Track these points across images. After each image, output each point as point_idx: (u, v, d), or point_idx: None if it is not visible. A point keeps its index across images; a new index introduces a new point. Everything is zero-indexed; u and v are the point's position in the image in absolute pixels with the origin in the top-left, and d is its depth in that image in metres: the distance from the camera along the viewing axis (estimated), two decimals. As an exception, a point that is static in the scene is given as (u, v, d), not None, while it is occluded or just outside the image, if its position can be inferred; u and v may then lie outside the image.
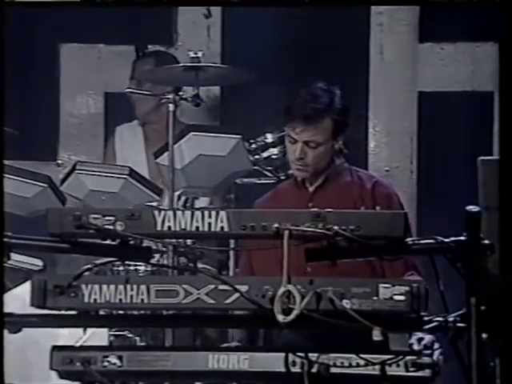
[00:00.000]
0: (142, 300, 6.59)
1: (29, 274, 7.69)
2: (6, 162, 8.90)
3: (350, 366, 6.39)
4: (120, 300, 6.56)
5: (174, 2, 10.38)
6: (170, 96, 9.09)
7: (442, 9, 10.08)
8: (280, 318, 6.10)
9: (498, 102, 9.84)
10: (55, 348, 6.49)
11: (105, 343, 7.20)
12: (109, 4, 9.64)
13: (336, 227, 6.35)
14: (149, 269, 6.98)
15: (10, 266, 7.35)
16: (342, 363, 6.37)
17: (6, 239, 6.72)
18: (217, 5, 10.87)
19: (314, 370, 6.34)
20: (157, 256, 7.34)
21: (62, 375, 6.57)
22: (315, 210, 6.51)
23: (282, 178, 8.36)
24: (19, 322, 6.62)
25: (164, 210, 7.56)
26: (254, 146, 8.79)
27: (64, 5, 9.70)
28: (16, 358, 7.28)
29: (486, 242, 6.30)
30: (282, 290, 6.17)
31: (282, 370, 6.41)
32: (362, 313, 6.22)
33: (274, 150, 8.24)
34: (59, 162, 9.58)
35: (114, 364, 6.67)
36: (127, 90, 9.67)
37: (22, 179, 9.01)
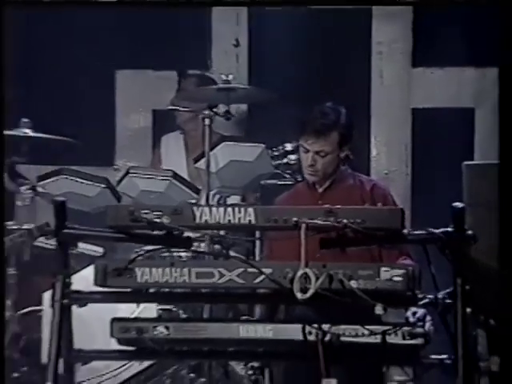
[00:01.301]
0: (184, 280, 6.72)
1: (92, 259, 7.76)
2: (73, 167, 9.03)
3: (357, 335, 6.48)
4: (166, 280, 6.69)
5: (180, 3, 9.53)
6: (207, 112, 9.15)
7: (433, 37, 10.18)
8: (298, 295, 6.18)
9: (478, 117, 9.97)
10: (114, 320, 6.59)
11: (154, 316, 7.36)
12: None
13: (345, 221, 6.44)
14: (189, 255, 7.01)
15: (77, 253, 7.37)
16: (350, 333, 6.47)
17: (73, 231, 6.81)
18: (216, 5, 10.53)
19: (327, 338, 6.42)
20: (196, 244, 7.35)
21: (121, 342, 6.65)
22: (328, 206, 6.58)
23: (299, 180, 8.37)
24: (85, 299, 6.71)
25: (201, 206, 7.73)
26: (275, 153, 8.87)
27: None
28: (83, 327, 7.30)
29: (470, 232, 6.34)
30: (300, 272, 6.28)
31: (300, 338, 6.47)
32: (367, 291, 6.31)
33: (292, 157, 8.35)
34: (115, 167, 9.64)
35: (162, 333, 6.78)
36: (171, 108, 9.70)
37: (86, 181, 9.08)
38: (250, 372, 8.30)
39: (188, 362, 8.26)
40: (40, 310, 8.57)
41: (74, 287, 6.86)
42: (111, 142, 10.38)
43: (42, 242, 8.54)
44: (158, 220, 6.86)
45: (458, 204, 6.49)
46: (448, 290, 6.39)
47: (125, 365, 7.99)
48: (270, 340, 6.69)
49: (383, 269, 6.46)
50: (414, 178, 10.00)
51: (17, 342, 9.02)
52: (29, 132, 9.19)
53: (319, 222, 6.48)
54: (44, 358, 8.05)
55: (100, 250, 7.86)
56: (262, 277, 6.47)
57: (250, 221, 6.84)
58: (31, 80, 10.62)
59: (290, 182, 8.70)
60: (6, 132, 8.55)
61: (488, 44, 9.79)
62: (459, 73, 10.29)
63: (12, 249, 8.83)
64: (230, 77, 9.54)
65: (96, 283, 6.79)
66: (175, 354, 7.36)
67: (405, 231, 6.51)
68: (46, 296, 8.02)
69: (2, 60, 6.40)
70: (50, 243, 7.87)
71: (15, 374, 8.79)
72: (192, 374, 8.54)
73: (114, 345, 6.80)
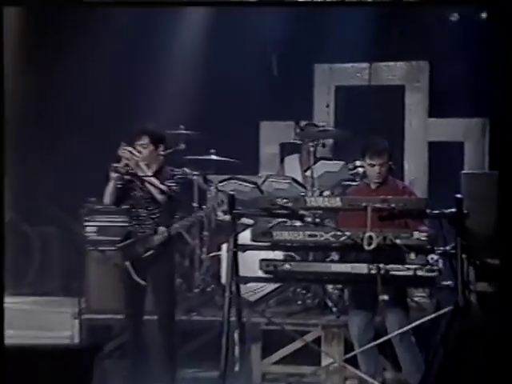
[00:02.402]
0: (300, 239, 6.69)
1: (247, 226, 7.68)
2: (238, 176, 9.07)
3: (398, 270, 6.46)
4: (290, 239, 6.71)
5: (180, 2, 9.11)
6: (311, 143, 9.11)
7: (439, 102, 10.15)
8: (366, 247, 6.18)
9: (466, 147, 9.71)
10: (262, 259, 6.56)
11: (282, 258, 7.26)
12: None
13: (393, 205, 6.40)
14: (302, 224, 6.94)
15: (240, 223, 7.35)
16: (395, 269, 6.41)
17: (238, 211, 6.87)
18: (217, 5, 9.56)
19: (381, 272, 6.37)
20: (306, 218, 7.27)
21: (265, 272, 6.62)
22: (383, 196, 6.68)
23: (362, 182, 8.24)
24: (245, 248, 6.69)
25: (309, 196, 7.67)
26: (350, 166, 8.87)
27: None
28: (244, 263, 7.22)
29: (465, 211, 6.26)
30: (367, 234, 6.30)
31: (366, 272, 6.45)
32: (405, 245, 6.28)
33: (360, 169, 8.33)
34: (260, 175, 9.58)
35: (287, 268, 6.75)
36: (293, 141, 9.63)
37: (244, 183, 9.06)
38: (336, 291, 8.28)
39: (301, 284, 8.22)
40: (220, 254, 8.56)
41: (239, 242, 6.86)
42: (257, 161, 10.27)
43: (221, 216, 8.57)
44: (285, 204, 6.90)
45: (459, 195, 6.44)
46: (452, 245, 6.33)
47: (264, 286, 8.03)
48: (349, 273, 6.74)
49: (415, 232, 6.47)
50: (430, 183, 9.80)
51: (208, 272, 8.90)
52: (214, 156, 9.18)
53: (378, 205, 6.50)
54: (223, 280, 8.05)
55: (251, 221, 7.83)
56: (345, 237, 6.50)
57: (337, 205, 6.90)
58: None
59: (355, 183, 8.58)
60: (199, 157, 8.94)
61: (475, 100, 9.64)
62: (453, 121, 10.08)
63: (205, 218, 8.83)
64: (324, 124, 9.52)
65: (251, 239, 6.82)
66: (294, 280, 7.41)
67: (427, 211, 6.48)
68: (224, 247, 8.04)
69: (2, 60, 5.18)
70: (225, 218, 7.96)
71: (207, 289, 8.82)
72: (303, 291, 8.51)
73: (260, 273, 6.82)
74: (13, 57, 10.54)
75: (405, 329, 7.13)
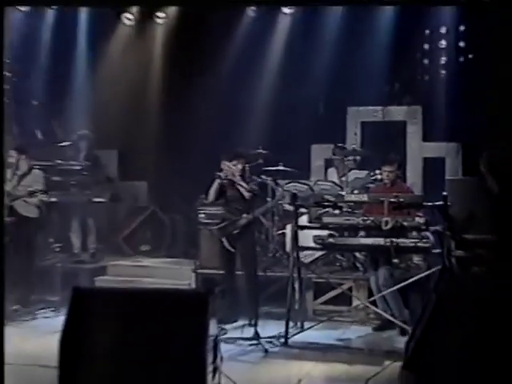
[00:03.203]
0: (339, 221, 6.66)
1: (303, 213, 7.54)
2: (299, 180, 9.03)
3: (404, 242, 6.38)
4: (332, 221, 6.63)
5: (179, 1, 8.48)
6: (345, 159, 9.03)
7: (431, 131, 9.93)
8: (383, 227, 6.11)
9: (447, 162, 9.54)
10: (315, 235, 6.56)
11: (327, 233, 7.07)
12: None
13: (401, 199, 6.38)
14: (340, 212, 6.92)
15: (300, 211, 7.35)
16: (402, 241, 6.35)
17: (297, 203, 6.84)
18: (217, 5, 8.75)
19: (393, 244, 6.33)
20: (343, 208, 7.22)
21: (316, 243, 6.59)
22: (395, 193, 6.54)
23: (379, 184, 8.11)
24: (303, 227, 6.76)
25: (344, 194, 7.62)
26: (371, 173, 8.75)
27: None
28: (302, 237, 7.19)
29: (449, 203, 6.21)
30: (384, 218, 6.20)
31: (383, 243, 6.38)
32: (410, 226, 6.23)
33: (378, 176, 8.14)
34: (312, 180, 9.50)
35: (330, 240, 6.71)
36: (333, 157, 9.53)
37: (302, 185, 9.01)
38: (362, 257, 8.21)
39: (339, 252, 8.16)
40: (285, 232, 8.48)
41: (299, 223, 6.89)
42: (309, 171, 10.16)
43: (286, 206, 8.51)
44: (329, 198, 6.91)
45: (444, 193, 6.42)
46: (440, 226, 6.32)
47: (315, 252, 8.00)
48: (371, 244, 6.70)
49: (416, 218, 6.46)
50: (425, 186, 9.63)
51: (277, 243, 8.71)
52: (281, 167, 9.00)
53: (391, 199, 6.48)
54: (287, 249, 8.05)
55: (306, 210, 7.56)
56: (369, 220, 6.49)
57: (364, 199, 6.90)
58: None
59: (374, 185, 8.37)
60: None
61: (452, 131, 9.54)
62: (438, 144, 9.92)
63: (275, 208, 8.65)
64: (354, 146, 9.45)
65: (308, 222, 6.83)
66: (335, 249, 7.38)
67: (424, 203, 6.48)
68: (288, 226, 8.04)
69: (2, 61, 4.13)
70: (289, 208, 7.90)
71: (277, 255, 8.67)
72: (341, 256, 8.46)
73: (312, 244, 6.81)
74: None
75: (408, 282, 7.02)
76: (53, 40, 10.41)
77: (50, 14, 10.35)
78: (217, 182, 7.65)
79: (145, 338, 4.25)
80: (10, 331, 6.84)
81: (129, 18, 10.60)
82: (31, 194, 7.63)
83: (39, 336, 7.13)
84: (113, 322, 4.35)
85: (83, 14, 10.40)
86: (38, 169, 8.51)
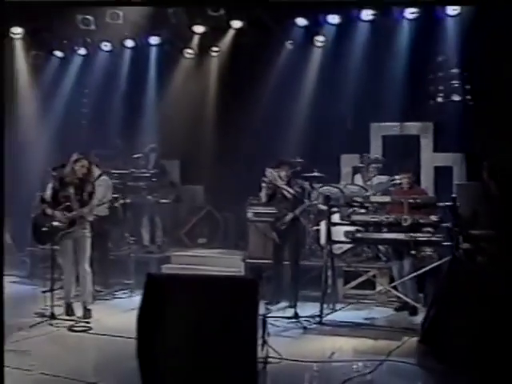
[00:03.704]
0: (365, 219, 6.61)
1: (335, 212, 7.54)
2: (332, 184, 8.88)
3: (419, 236, 6.29)
4: (359, 219, 6.57)
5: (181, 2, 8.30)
6: (370, 166, 8.96)
7: (440, 141, 9.71)
8: (403, 224, 6.06)
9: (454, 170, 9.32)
10: (345, 231, 6.52)
11: (354, 229, 7.04)
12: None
13: (418, 200, 6.30)
14: (367, 211, 6.89)
15: (332, 210, 7.27)
16: (418, 235, 6.28)
17: (331, 203, 6.78)
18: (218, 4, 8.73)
19: (411, 239, 6.27)
20: (369, 208, 7.15)
21: (347, 237, 6.57)
22: (413, 195, 6.48)
23: (398, 187, 7.98)
24: (336, 224, 6.69)
25: (368, 196, 7.53)
26: (391, 178, 8.40)
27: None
28: (335, 233, 7.15)
29: (457, 204, 6.13)
30: (404, 216, 6.13)
31: (403, 238, 6.32)
32: (425, 223, 6.14)
33: (397, 181, 7.87)
34: (342, 183, 9.34)
35: (358, 235, 6.67)
36: (359, 166, 9.43)
37: (334, 188, 8.82)
38: (384, 249, 8.13)
39: (365, 244, 8.11)
40: (319, 228, 8.45)
41: (331, 221, 6.87)
42: (339, 176, 9.98)
43: (320, 206, 8.33)
44: (358, 199, 6.85)
45: (453, 195, 6.35)
46: (450, 223, 6.25)
47: (345, 245, 7.95)
48: (393, 238, 6.62)
49: (431, 216, 6.38)
50: (436, 189, 9.38)
51: (313, 237, 8.61)
52: (316, 174, 8.85)
53: (410, 200, 6.43)
54: (321, 242, 8.02)
55: (336, 209, 7.55)
56: (391, 218, 6.43)
57: (387, 200, 6.84)
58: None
59: (394, 188, 8.13)
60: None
61: (458, 144, 9.38)
62: (447, 154, 9.66)
63: (311, 207, 8.43)
64: (377, 155, 9.40)
65: (339, 219, 6.81)
66: (362, 242, 7.34)
67: (438, 204, 6.42)
68: (322, 223, 8.01)
69: (2, 62, 3.38)
70: (323, 207, 7.83)
71: (312, 247, 8.59)
72: (366, 248, 8.40)
73: (342, 238, 6.76)
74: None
75: (425, 269, 6.98)
76: (129, 72, 10.83)
77: (127, 52, 10.76)
78: (264, 187, 7.68)
79: (207, 316, 4.32)
80: (95, 308, 7.11)
81: (189, 52, 10.78)
82: (99, 205, 7.45)
83: (118, 312, 7.27)
84: (180, 302, 4.43)
85: (153, 50, 10.71)
86: (110, 176, 8.57)
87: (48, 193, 6.97)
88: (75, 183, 6.91)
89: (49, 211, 6.90)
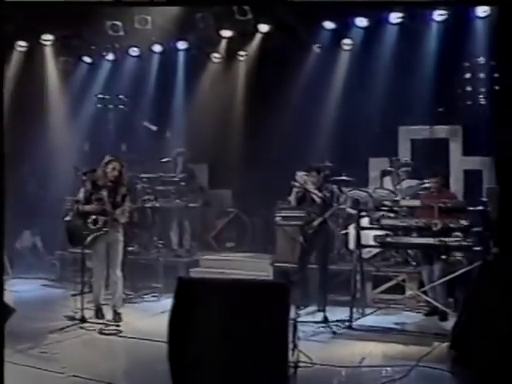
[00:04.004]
0: (395, 223, 6.56)
1: (364, 216, 7.48)
2: (361, 188, 8.87)
3: (450, 241, 6.23)
4: (387, 223, 6.50)
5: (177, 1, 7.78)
6: (399, 170, 8.90)
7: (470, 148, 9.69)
8: (433, 229, 6.01)
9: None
10: (375, 235, 6.49)
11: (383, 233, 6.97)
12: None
13: (448, 204, 6.23)
14: (396, 215, 6.82)
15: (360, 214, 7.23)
16: (449, 240, 6.22)
17: (358, 207, 6.76)
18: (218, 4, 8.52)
19: (442, 243, 6.22)
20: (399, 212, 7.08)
21: (376, 241, 6.52)
22: (443, 199, 6.42)
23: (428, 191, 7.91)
24: (365, 228, 6.65)
25: (398, 200, 7.44)
26: (421, 183, 8.42)
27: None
28: (364, 237, 7.14)
29: (489, 208, 6.05)
30: (434, 221, 6.08)
31: (433, 242, 6.26)
32: (455, 227, 6.08)
33: (427, 185, 7.78)
34: (370, 188, 9.28)
35: (387, 239, 6.62)
36: (388, 169, 9.38)
37: (362, 192, 8.88)
38: (413, 254, 8.06)
39: (394, 249, 8.05)
40: (348, 232, 8.43)
41: (360, 225, 6.83)
42: (367, 180, 9.97)
43: (349, 210, 8.31)
44: (387, 203, 6.81)
45: (484, 199, 6.30)
46: (480, 227, 6.18)
47: (374, 249, 7.90)
48: (422, 243, 6.56)
49: (461, 220, 6.31)
50: (465, 191, 9.36)
51: (341, 241, 8.64)
52: (345, 177, 8.88)
53: (440, 204, 6.38)
54: (350, 246, 7.98)
55: (365, 213, 7.48)
56: (421, 223, 6.38)
57: (416, 204, 6.79)
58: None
59: (423, 192, 8.10)
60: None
61: (487, 147, 9.25)
62: (476, 158, 9.59)
63: (339, 211, 8.41)
64: (406, 159, 9.35)
65: (369, 223, 6.76)
66: (391, 246, 7.30)
67: (468, 208, 6.35)
68: (350, 227, 7.99)
69: (2, 62, 3.22)
70: (351, 211, 7.79)
71: (341, 251, 8.59)
72: (396, 252, 8.36)
73: (371, 242, 6.70)
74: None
75: (456, 274, 6.89)
76: (157, 77, 10.94)
77: (155, 57, 10.88)
78: (294, 191, 7.66)
79: (237, 320, 4.33)
80: (124, 311, 7.15)
81: (217, 56, 10.84)
82: (132, 208, 7.40)
83: (147, 316, 7.31)
84: (211, 306, 4.44)
85: (181, 54, 10.77)
86: (140, 180, 8.62)
87: (81, 196, 6.97)
88: (108, 186, 6.92)
89: (87, 207, 6.86)
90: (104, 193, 6.88)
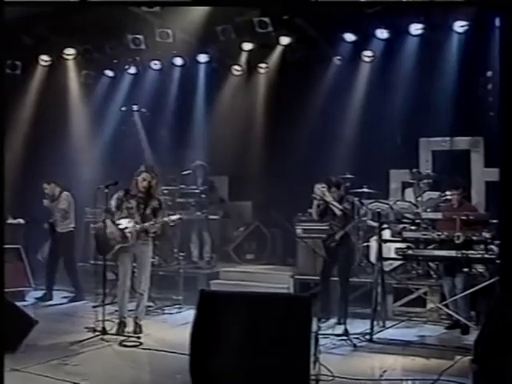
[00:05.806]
0: (416, 236, 6.50)
1: (385, 228, 7.49)
2: (380, 200, 8.79)
3: (472, 254, 6.17)
4: (411, 236, 6.45)
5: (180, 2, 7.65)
6: (420, 182, 8.88)
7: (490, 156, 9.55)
8: (456, 241, 5.97)
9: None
10: (397, 248, 6.43)
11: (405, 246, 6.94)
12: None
13: (471, 217, 6.19)
14: (418, 227, 6.79)
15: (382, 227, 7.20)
16: (471, 253, 6.16)
17: (380, 220, 6.70)
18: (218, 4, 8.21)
19: (464, 256, 6.16)
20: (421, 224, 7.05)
21: (397, 254, 6.49)
22: (465, 212, 6.35)
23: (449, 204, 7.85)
24: (387, 241, 6.61)
25: (419, 212, 7.39)
26: (442, 194, 8.30)
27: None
28: (385, 249, 7.09)
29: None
30: (457, 233, 6.05)
31: (454, 255, 6.21)
32: (478, 240, 6.03)
33: (448, 197, 7.69)
34: (391, 200, 9.25)
35: (410, 252, 6.57)
36: (410, 181, 9.36)
37: (383, 205, 8.85)
38: (435, 266, 8.02)
39: (416, 261, 7.99)
40: (369, 244, 8.40)
41: (382, 237, 6.79)
42: (388, 192, 9.91)
43: (370, 223, 8.28)
44: (408, 216, 6.76)
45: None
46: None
47: (395, 262, 7.85)
48: (443, 255, 6.52)
49: (482, 232, 6.27)
50: (488, 203, 9.28)
51: (362, 254, 8.57)
52: (365, 189, 8.97)
53: (462, 217, 6.33)
54: (371, 259, 7.91)
55: (386, 225, 7.53)
56: (443, 235, 6.35)
57: (438, 217, 6.75)
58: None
59: (443, 204, 8.06)
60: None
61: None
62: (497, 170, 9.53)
63: (360, 224, 8.34)
64: (427, 171, 9.32)
65: (391, 236, 6.74)
66: (412, 259, 7.24)
67: (490, 220, 6.30)
68: (371, 240, 7.97)
69: (2, 62, 3.13)
70: (372, 223, 7.72)
71: (362, 264, 8.57)
72: (417, 266, 8.28)
73: (392, 255, 6.64)
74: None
75: (478, 287, 6.78)
76: (178, 90, 11.05)
77: (176, 70, 10.99)
78: (315, 203, 7.65)
79: (259, 333, 4.36)
80: (145, 323, 7.18)
81: (237, 69, 10.92)
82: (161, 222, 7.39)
83: (168, 328, 7.35)
84: (233, 318, 4.48)
85: (202, 67, 10.87)
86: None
87: (112, 203, 6.96)
88: (138, 196, 6.95)
89: (116, 216, 6.85)
90: (134, 203, 6.92)
